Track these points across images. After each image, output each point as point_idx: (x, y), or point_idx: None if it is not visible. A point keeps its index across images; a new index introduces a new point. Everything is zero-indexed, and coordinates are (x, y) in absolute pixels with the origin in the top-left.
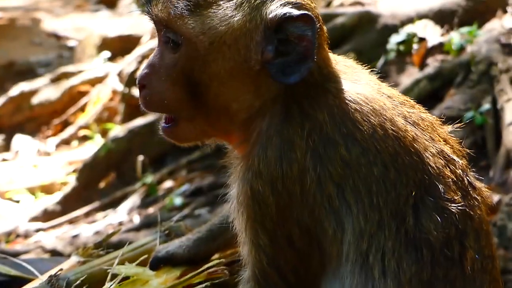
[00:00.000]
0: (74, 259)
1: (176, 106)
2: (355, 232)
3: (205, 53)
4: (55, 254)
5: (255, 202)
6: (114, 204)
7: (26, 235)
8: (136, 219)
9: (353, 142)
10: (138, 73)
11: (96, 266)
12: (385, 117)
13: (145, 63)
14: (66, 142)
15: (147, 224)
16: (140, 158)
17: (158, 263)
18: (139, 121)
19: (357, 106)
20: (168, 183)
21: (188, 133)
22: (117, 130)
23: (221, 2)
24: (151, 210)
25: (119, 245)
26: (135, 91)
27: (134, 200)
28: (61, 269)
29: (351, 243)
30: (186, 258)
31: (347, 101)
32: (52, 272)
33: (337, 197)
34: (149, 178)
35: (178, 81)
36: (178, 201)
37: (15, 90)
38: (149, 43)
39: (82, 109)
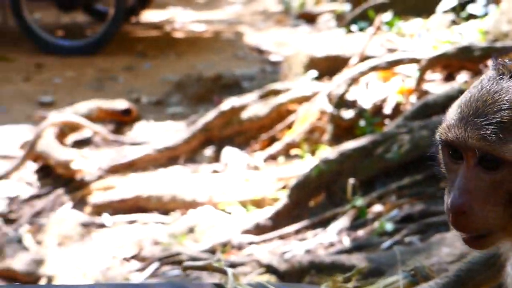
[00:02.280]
0: None
1: (497, 224)
2: None
3: None
4: (271, 270)
5: None
6: (323, 223)
7: (240, 247)
8: (346, 241)
9: None
10: (451, 200)
11: None
12: None
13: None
14: (273, 157)
15: (358, 247)
16: (351, 180)
17: None
18: (350, 144)
19: None
20: (377, 207)
21: (495, 241)
22: (328, 151)
23: None
24: (360, 232)
25: (332, 266)
26: (344, 113)
27: (343, 221)
28: None
29: None
30: None
31: None
32: None
33: None
34: (359, 201)
35: (502, 201)
36: (389, 226)
37: (226, 104)
38: (358, 67)
39: (289, 126)
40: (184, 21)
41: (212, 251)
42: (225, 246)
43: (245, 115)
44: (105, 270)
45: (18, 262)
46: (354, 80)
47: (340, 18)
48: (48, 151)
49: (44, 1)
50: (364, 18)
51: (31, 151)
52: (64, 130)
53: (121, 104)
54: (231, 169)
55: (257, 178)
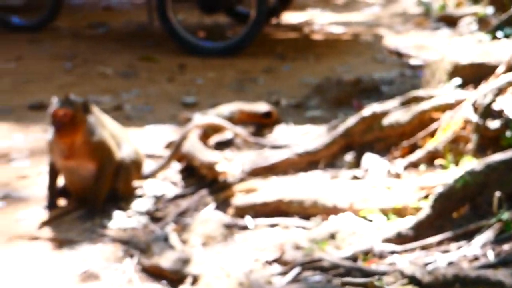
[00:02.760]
0: None
1: None
2: None
3: None
4: (414, 281)
5: None
6: (466, 236)
7: (381, 256)
8: (490, 255)
9: None
10: None
11: None
12: None
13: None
14: (414, 165)
15: (503, 262)
16: (497, 193)
17: None
18: (497, 156)
19: None
20: None
21: None
22: (474, 163)
23: None
24: (505, 247)
25: (477, 281)
26: (490, 123)
27: (488, 235)
28: None
29: None
30: None
31: None
32: None
33: None
34: (505, 215)
35: None
36: None
37: (368, 110)
38: (505, 76)
39: (431, 134)
40: (322, 23)
41: (353, 258)
42: (367, 254)
43: (386, 121)
44: (248, 272)
45: (165, 260)
46: (501, 90)
47: (482, 22)
48: (193, 152)
49: (188, 3)
50: (510, 24)
51: (177, 152)
52: (207, 132)
53: (262, 107)
54: (371, 175)
55: (399, 186)
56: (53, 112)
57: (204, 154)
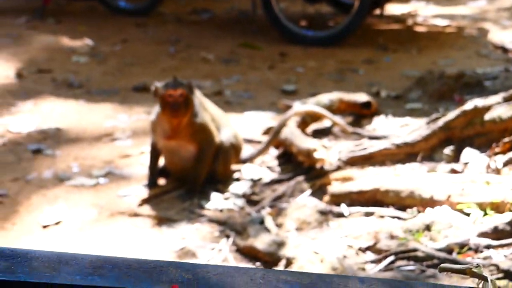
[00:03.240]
0: None
1: None
2: None
3: None
4: (510, 275)
5: None
6: None
7: (476, 250)
8: None
9: None
10: None
11: None
12: None
13: None
14: None
15: None
16: None
17: None
18: None
19: None
20: None
21: None
22: None
23: None
24: None
25: None
26: None
27: None
28: None
29: None
30: None
31: None
32: None
33: None
34: None
35: None
36: None
37: (469, 104)
38: None
39: None
40: (426, 15)
41: (448, 251)
42: (462, 247)
43: (488, 116)
44: (341, 258)
45: (260, 242)
46: None
47: None
48: (291, 138)
49: None
50: None
51: (275, 138)
52: (306, 120)
53: (361, 97)
54: (470, 170)
55: (498, 182)
56: (167, 92)
57: (302, 141)
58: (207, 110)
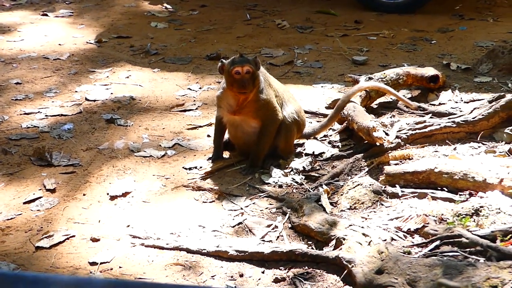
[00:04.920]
0: None
1: None
2: None
3: None
4: None
5: None
6: None
7: None
8: None
9: None
10: None
11: None
12: None
13: None
14: None
15: None
16: None
17: None
18: None
19: None
20: None
21: None
22: None
23: None
24: None
25: None
26: None
27: None
28: None
29: None
30: None
31: None
32: None
33: None
34: None
35: None
36: None
37: None
38: None
39: None
40: None
41: (493, 237)
42: (506, 235)
43: None
44: (388, 242)
45: (314, 221)
46: None
47: None
48: (354, 115)
49: None
50: None
51: (339, 113)
52: (371, 94)
53: (429, 71)
54: None
55: None
56: (234, 69)
57: (363, 119)
58: (271, 85)
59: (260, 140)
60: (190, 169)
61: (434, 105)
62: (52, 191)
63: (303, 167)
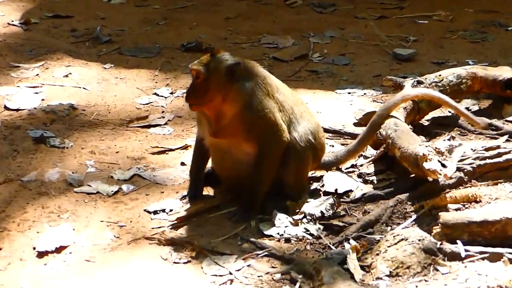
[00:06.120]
0: None
1: None
2: None
3: None
4: None
5: None
6: None
7: None
8: None
9: None
10: None
11: None
12: None
13: None
14: None
15: None
16: None
17: None
18: None
19: None
20: None
21: None
22: None
23: None
24: None
25: None
26: None
27: None
28: None
29: None
30: None
31: None
32: None
33: None
34: None
35: None
36: None
37: None
38: None
39: None
40: None
41: None
42: None
43: None
44: None
45: None
46: None
47: None
48: (395, 136)
49: None
50: None
51: (374, 133)
52: (420, 107)
53: (504, 71)
54: None
55: None
56: (190, 68)
57: (409, 142)
58: (273, 95)
59: (258, 171)
60: (155, 212)
61: (508, 124)
62: None
63: (321, 212)
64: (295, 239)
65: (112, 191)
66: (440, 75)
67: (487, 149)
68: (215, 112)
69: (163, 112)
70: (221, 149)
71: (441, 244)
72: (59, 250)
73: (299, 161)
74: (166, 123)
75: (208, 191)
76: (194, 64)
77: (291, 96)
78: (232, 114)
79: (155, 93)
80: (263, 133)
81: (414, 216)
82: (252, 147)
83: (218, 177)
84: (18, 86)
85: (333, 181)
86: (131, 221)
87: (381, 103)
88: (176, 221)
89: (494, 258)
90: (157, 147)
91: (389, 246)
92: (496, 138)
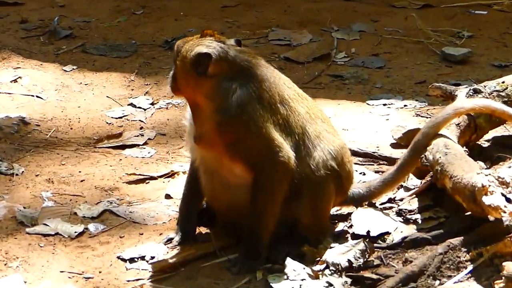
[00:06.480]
0: None
1: None
2: None
3: None
4: None
5: None
6: None
7: None
8: None
9: None
10: None
11: None
12: None
13: None
14: None
15: None
16: None
17: None
18: None
19: None
20: None
21: None
22: None
23: None
24: None
25: None
26: None
27: None
28: None
29: None
30: None
31: None
32: None
33: None
34: None
35: None
36: None
37: None
38: None
39: None
40: None
41: None
42: None
43: None
44: None
45: None
46: None
47: None
48: (445, 161)
49: None
50: None
51: (417, 158)
52: (477, 123)
53: None
54: None
55: None
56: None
57: (464, 169)
58: (270, 106)
59: (254, 206)
60: (132, 260)
61: None
62: None
63: (349, 261)
64: None
65: (75, 232)
66: (503, 82)
67: None
68: (193, 106)
69: (141, 128)
70: (209, 168)
71: None
72: None
73: (317, 194)
74: (145, 143)
75: (202, 231)
76: (180, 41)
77: (305, 107)
78: (207, 114)
79: (130, 104)
80: (250, 150)
81: (470, 267)
82: (244, 170)
83: (213, 213)
84: None
85: (364, 220)
86: (100, 272)
87: (427, 118)
88: (159, 272)
89: None
90: (134, 174)
91: None
92: None
